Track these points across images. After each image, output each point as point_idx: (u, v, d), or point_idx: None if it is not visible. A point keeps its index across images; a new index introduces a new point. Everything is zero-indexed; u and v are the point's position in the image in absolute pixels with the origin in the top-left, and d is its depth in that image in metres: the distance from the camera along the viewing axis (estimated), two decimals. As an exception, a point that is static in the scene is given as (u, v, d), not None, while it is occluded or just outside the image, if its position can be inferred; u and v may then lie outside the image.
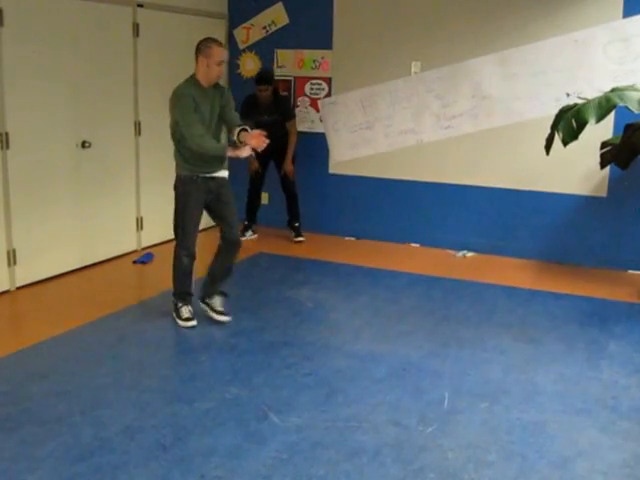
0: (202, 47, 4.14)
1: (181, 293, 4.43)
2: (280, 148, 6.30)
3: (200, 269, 5.67)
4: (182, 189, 4.30)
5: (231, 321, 4.45)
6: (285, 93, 6.71)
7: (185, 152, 4.20)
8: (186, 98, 4.07)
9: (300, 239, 6.57)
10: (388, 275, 5.58)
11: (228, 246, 4.42)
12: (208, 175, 4.26)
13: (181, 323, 4.38)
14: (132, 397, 3.41)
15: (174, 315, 4.44)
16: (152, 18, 5.95)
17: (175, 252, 4.41)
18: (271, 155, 6.26)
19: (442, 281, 5.43)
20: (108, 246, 5.80)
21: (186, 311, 4.40)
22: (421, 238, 6.50)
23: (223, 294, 4.56)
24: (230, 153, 4.15)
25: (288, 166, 6.42)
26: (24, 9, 4.81)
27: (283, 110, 6.32)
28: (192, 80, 4.17)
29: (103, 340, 4.16)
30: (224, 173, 4.36)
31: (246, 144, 4.10)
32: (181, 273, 4.41)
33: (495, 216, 6.21)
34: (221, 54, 4.15)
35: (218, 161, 4.26)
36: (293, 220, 6.62)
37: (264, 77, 6.22)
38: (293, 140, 6.37)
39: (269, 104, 6.24)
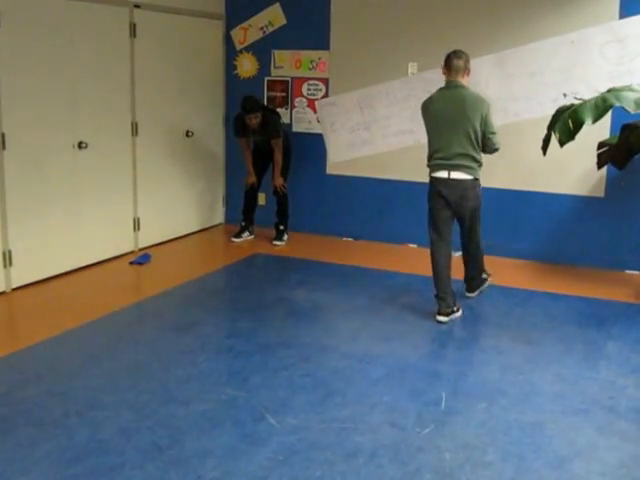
0: (469, 58, 4.53)
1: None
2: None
3: (197, 270, 5.67)
4: (480, 190, 4.62)
5: (229, 321, 4.42)
6: (274, 108, 6.60)
7: (480, 155, 4.54)
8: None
9: (277, 243, 6.51)
10: (385, 276, 5.57)
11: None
12: None
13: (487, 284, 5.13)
14: (128, 398, 3.39)
15: (481, 290, 5.10)
16: (149, 19, 5.94)
17: (480, 243, 4.90)
18: (265, 169, 6.57)
19: (440, 282, 5.42)
20: (105, 247, 5.79)
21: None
22: (419, 239, 6.46)
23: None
24: None
25: (276, 182, 6.43)
26: (21, 10, 4.80)
27: (268, 131, 6.26)
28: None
29: (99, 341, 4.15)
30: None
31: None
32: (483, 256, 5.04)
33: (492, 216, 6.17)
34: None
35: None
36: (278, 223, 6.60)
37: (249, 107, 6.07)
38: (278, 158, 6.34)
39: (258, 125, 6.18)
